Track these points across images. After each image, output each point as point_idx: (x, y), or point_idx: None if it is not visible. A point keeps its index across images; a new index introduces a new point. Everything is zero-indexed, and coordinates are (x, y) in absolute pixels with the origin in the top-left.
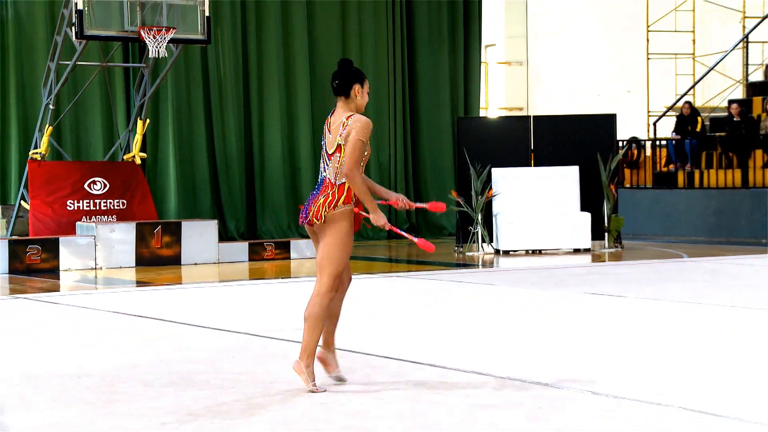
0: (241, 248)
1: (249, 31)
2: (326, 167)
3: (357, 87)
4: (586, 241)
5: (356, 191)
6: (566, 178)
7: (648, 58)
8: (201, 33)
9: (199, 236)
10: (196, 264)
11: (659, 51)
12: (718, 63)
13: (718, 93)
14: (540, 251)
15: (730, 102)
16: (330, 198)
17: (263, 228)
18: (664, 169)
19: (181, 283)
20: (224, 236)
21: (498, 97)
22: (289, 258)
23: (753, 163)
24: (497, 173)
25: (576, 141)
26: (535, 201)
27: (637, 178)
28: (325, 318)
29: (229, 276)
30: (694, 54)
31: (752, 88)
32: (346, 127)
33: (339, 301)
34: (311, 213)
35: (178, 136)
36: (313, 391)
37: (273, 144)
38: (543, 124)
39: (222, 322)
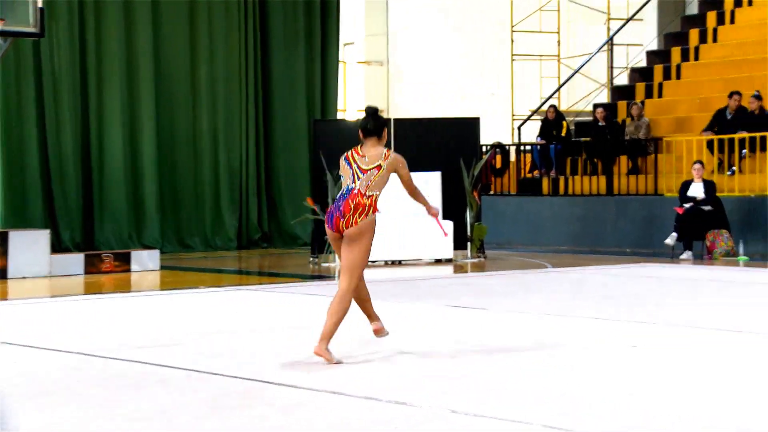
0: (76, 260)
1: (87, 25)
2: (357, 180)
3: (386, 130)
4: (448, 251)
5: (417, 199)
6: (428, 184)
7: (512, 60)
8: (33, 26)
9: (28, 247)
10: (24, 278)
11: (524, 52)
12: (582, 66)
13: (583, 96)
14: (400, 262)
15: (595, 106)
16: (362, 209)
17: (101, 238)
18: (529, 176)
19: (6, 299)
20: (57, 247)
21: (357, 98)
22: (129, 270)
23: (617, 170)
24: None
25: (438, 145)
26: (395, 209)
27: (501, 184)
28: (346, 309)
29: (62, 291)
30: (559, 56)
31: (617, 92)
32: (389, 158)
33: (364, 288)
34: (344, 221)
35: (6, 135)
36: (338, 362)
37: (113, 146)
38: (404, 127)
39: (54, 341)
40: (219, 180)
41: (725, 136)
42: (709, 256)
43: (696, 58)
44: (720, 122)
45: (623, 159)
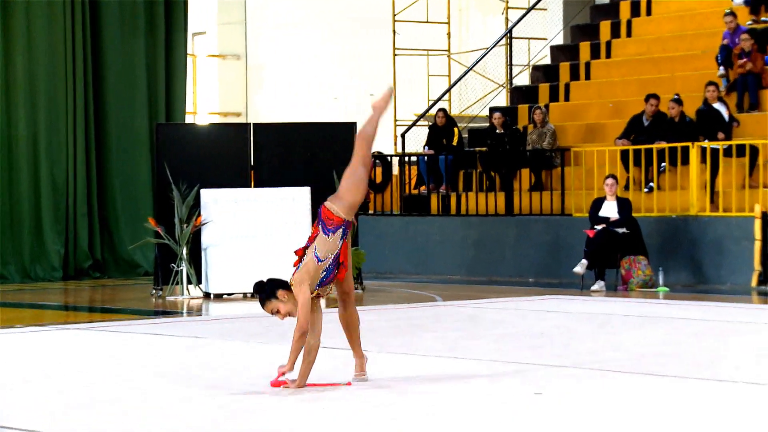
0: None
1: None
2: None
3: (273, 302)
4: None
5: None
6: (295, 202)
7: (395, 55)
8: None
9: None
10: None
11: (408, 46)
12: (477, 62)
13: (478, 99)
14: None
15: (492, 110)
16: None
17: None
18: (414, 192)
19: None
20: None
21: (210, 98)
22: None
23: (518, 186)
24: (207, 195)
25: (307, 156)
26: (255, 231)
27: (382, 202)
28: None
29: None
30: (449, 50)
31: (517, 94)
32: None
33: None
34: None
35: None
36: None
37: None
38: (266, 133)
39: None
40: (40, 196)
41: (642, 147)
42: (624, 286)
43: (608, 55)
44: (636, 130)
45: (525, 173)
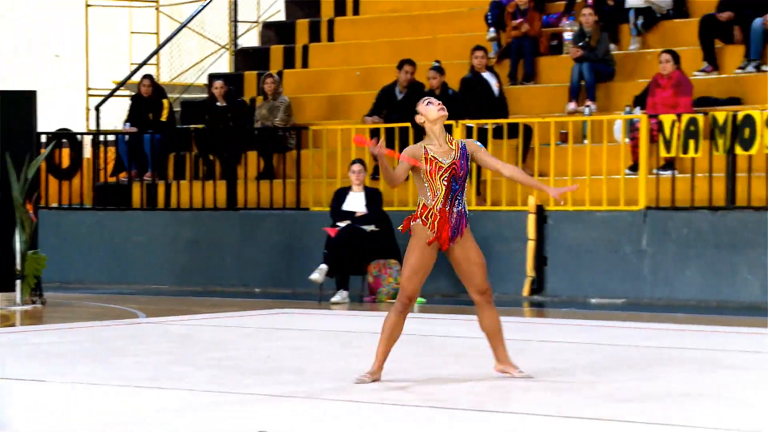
0: None
1: None
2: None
3: (417, 117)
4: None
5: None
6: None
7: (87, 5)
8: None
9: None
10: None
11: None
12: (192, 17)
13: (194, 64)
14: None
15: (212, 78)
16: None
17: None
18: (112, 180)
19: None
20: None
21: None
22: None
23: (244, 173)
24: None
25: None
26: None
27: (70, 192)
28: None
29: None
30: (158, 3)
31: (243, 58)
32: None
33: (482, 319)
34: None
35: None
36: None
37: None
38: None
39: None
40: None
41: (395, 125)
42: (372, 297)
43: (356, 11)
44: (388, 104)
45: (252, 156)
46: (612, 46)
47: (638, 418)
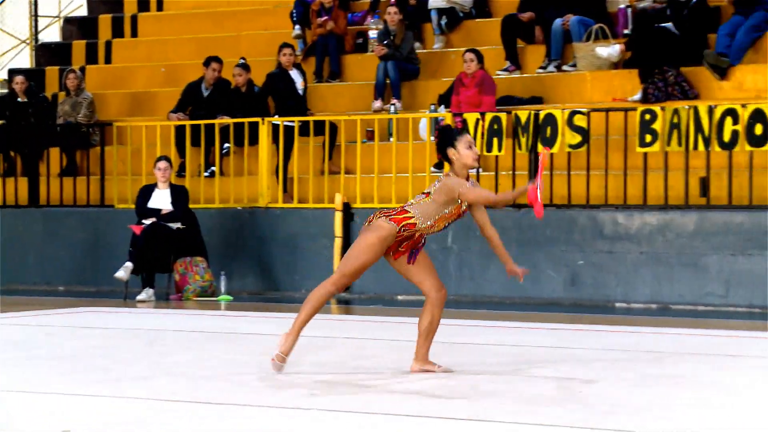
0: None
1: None
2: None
3: (451, 150)
4: None
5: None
6: None
7: None
8: None
9: None
10: None
11: None
12: None
13: None
14: None
15: (12, 73)
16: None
17: None
18: None
19: None
20: None
21: None
22: None
23: (46, 170)
24: None
25: None
26: None
27: None
28: (316, 305)
29: None
30: None
31: (45, 53)
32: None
33: (428, 315)
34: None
35: None
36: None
37: None
38: None
39: None
40: None
41: (201, 122)
42: (178, 295)
43: (159, 7)
44: (194, 101)
45: (54, 153)
46: (417, 44)
47: (445, 414)
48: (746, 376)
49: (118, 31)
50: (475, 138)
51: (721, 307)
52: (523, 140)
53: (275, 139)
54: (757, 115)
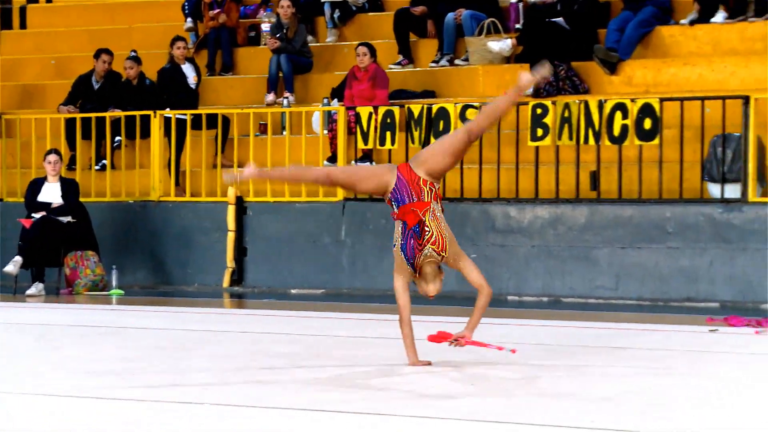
0: None
1: None
2: None
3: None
4: None
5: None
6: None
7: None
8: None
9: None
10: None
11: None
12: None
13: None
14: None
15: None
16: None
17: None
18: None
19: None
20: None
21: None
22: None
23: None
24: None
25: None
26: None
27: None
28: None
29: None
30: None
31: None
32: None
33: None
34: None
35: None
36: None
37: None
38: None
39: None
40: None
41: (92, 115)
42: (69, 289)
43: None
44: (84, 94)
45: None
46: (310, 38)
47: (341, 408)
48: (634, 367)
49: (6, 22)
50: (367, 132)
51: (612, 300)
52: (416, 134)
53: (167, 133)
54: (646, 110)
